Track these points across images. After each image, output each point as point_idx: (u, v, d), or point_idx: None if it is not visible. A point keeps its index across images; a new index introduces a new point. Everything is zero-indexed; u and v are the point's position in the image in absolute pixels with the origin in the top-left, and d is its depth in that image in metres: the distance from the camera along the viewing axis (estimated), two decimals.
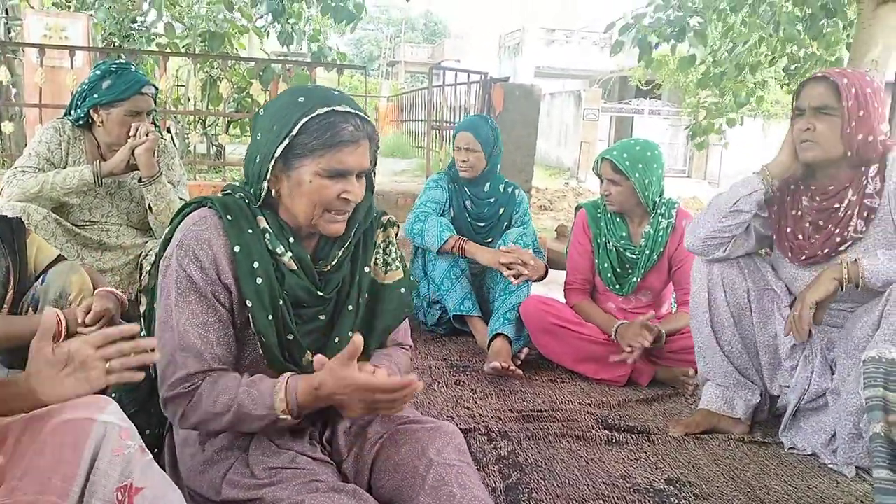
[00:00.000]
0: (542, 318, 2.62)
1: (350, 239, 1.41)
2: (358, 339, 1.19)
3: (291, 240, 1.35)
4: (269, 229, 1.33)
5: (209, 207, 1.34)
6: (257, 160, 1.31)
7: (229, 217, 1.31)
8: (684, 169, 18.64)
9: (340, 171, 1.28)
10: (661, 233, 2.62)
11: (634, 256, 2.65)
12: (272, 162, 1.28)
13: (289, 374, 1.28)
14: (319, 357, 1.24)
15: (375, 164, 1.40)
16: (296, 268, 1.35)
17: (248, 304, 1.29)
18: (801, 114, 1.95)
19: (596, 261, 2.72)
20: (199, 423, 1.29)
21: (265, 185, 1.30)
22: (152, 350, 1.19)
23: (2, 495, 0.96)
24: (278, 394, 1.24)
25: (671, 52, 6.81)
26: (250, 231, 1.32)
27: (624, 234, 2.67)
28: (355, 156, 1.29)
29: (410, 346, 1.61)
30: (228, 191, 1.38)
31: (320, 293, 1.38)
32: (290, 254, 1.34)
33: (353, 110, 1.28)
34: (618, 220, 2.69)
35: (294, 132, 1.26)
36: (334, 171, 1.28)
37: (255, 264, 1.30)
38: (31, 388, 1.10)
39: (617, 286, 2.69)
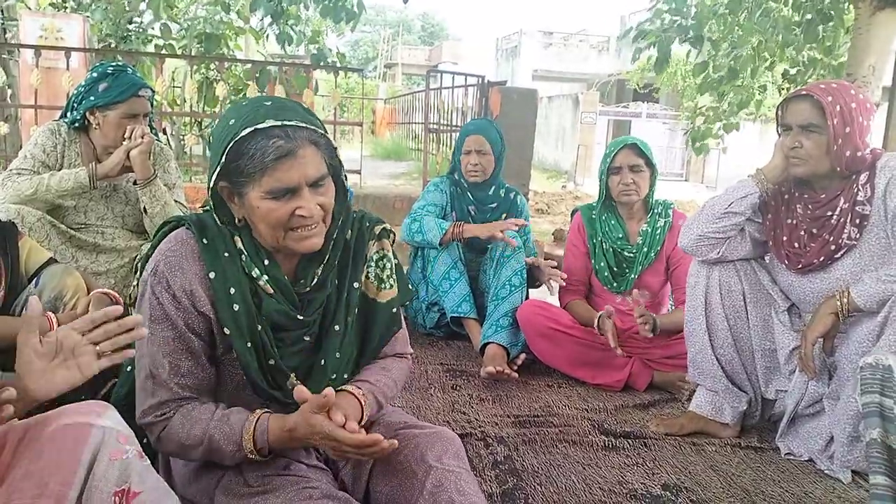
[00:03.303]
0: (538, 322, 2.62)
1: (328, 255, 1.36)
2: (329, 394, 1.19)
3: (267, 262, 1.31)
4: (245, 251, 1.30)
5: (186, 229, 1.31)
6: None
7: (205, 241, 1.28)
8: (682, 173, 18.67)
9: (284, 190, 1.21)
10: (658, 231, 2.66)
11: (632, 255, 2.68)
12: (210, 193, 1.27)
13: (260, 412, 1.27)
14: (300, 389, 1.23)
15: (339, 163, 1.32)
16: (273, 291, 1.30)
17: (227, 331, 1.27)
18: (787, 130, 1.98)
19: (592, 261, 2.74)
20: (175, 451, 1.29)
21: (222, 211, 1.29)
22: (139, 326, 1.18)
23: (0, 499, 0.96)
24: (247, 433, 1.24)
25: (686, 57, 6.82)
26: (227, 254, 1.29)
27: (620, 234, 2.70)
28: (294, 169, 1.20)
29: (410, 354, 1.58)
30: (207, 207, 1.34)
31: (300, 316, 1.33)
32: (266, 277, 1.30)
33: (277, 122, 1.19)
34: (613, 221, 2.72)
35: (223, 160, 1.21)
36: (277, 190, 1.20)
37: (232, 290, 1.27)
38: (23, 386, 1.10)
39: (614, 284, 2.71)
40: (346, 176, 1.37)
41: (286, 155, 1.19)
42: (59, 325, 1.71)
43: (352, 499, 1.27)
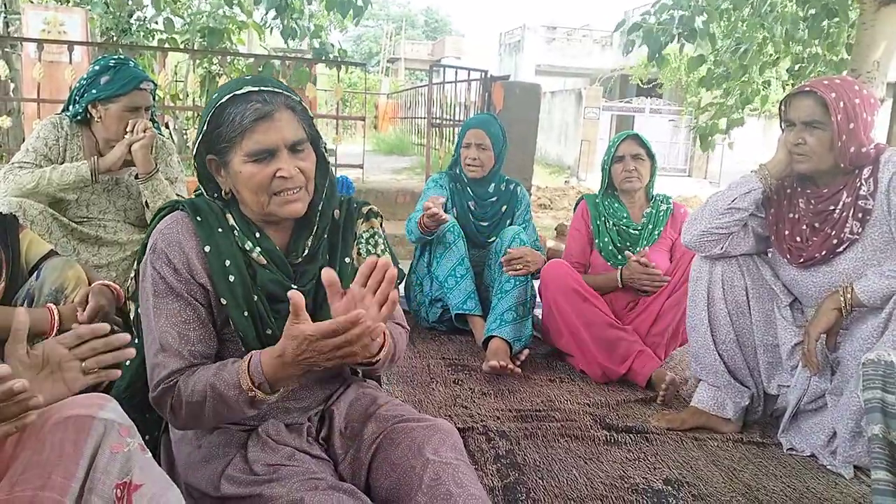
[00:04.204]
0: (564, 281, 2.64)
1: (316, 225, 1.40)
2: (295, 295, 1.13)
3: (258, 234, 1.36)
4: (237, 226, 1.35)
5: (181, 210, 1.35)
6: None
7: (199, 218, 1.32)
8: (685, 168, 18.65)
9: (264, 151, 1.26)
10: (661, 213, 2.84)
11: (637, 231, 2.80)
12: (194, 163, 1.31)
13: (255, 350, 1.25)
14: (293, 294, 1.16)
15: (318, 133, 1.37)
16: (266, 262, 1.35)
17: (223, 302, 1.30)
18: (791, 126, 1.97)
19: (596, 240, 2.84)
20: (188, 418, 1.29)
21: (210, 186, 1.33)
22: (126, 346, 1.16)
23: (2, 491, 0.96)
24: (242, 372, 1.22)
25: (679, 52, 6.79)
26: (220, 230, 1.33)
27: (625, 215, 2.83)
28: (272, 131, 1.26)
29: (407, 329, 1.60)
30: (200, 191, 1.40)
31: (294, 286, 1.36)
32: (258, 249, 1.35)
33: (255, 88, 1.27)
34: (616, 205, 2.85)
35: (205, 128, 1.29)
36: (256, 152, 1.26)
37: (227, 262, 1.31)
38: None
39: (619, 258, 2.77)
40: (326, 146, 1.42)
41: (263, 117, 1.26)
42: (60, 317, 1.72)
43: (357, 490, 1.28)
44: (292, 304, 1.14)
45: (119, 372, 1.18)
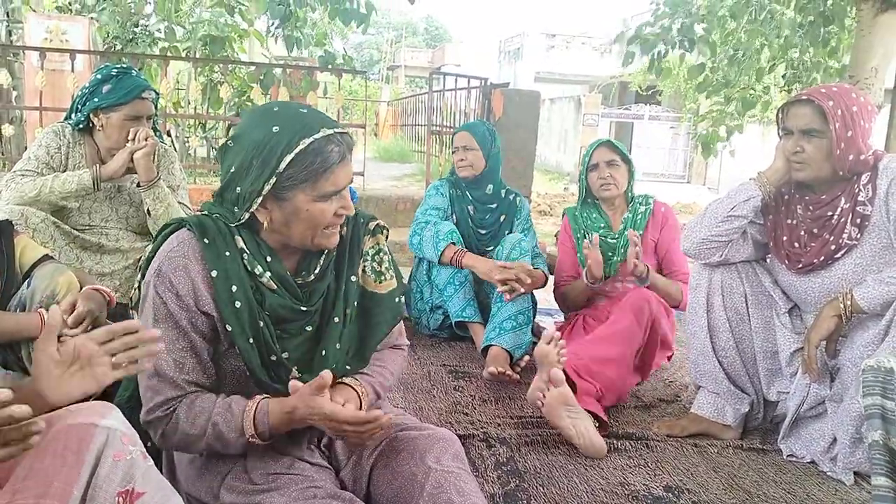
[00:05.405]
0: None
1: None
2: (326, 375, 1.22)
3: (269, 259, 1.34)
4: (247, 250, 1.33)
5: (187, 230, 1.33)
6: (238, 191, 1.28)
7: (206, 240, 1.30)
8: (684, 174, 18.65)
9: (335, 192, 1.30)
10: (639, 216, 2.79)
11: (614, 240, 2.77)
12: (259, 199, 1.27)
13: (260, 397, 1.30)
14: (294, 383, 1.27)
15: None
16: (276, 287, 1.34)
17: (229, 328, 1.29)
18: (788, 134, 1.98)
19: (578, 254, 2.83)
20: (179, 444, 1.30)
21: (246, 215, 1.30)
22: (155, 341, 1.18)
23: (4, 498, 0.97)
24: (247, 418, 1.27)
25: (679, 61, 6.81)
26: (227, 253, 1.31)
27: (603, 224, 2.81)
28: (345, 172, 1.30)
29: (407, 346, 1.62)
30: (205, 211, 1.37)
31: (304, 308, 1.37)
32: (268, 273, 1.33)
33: (331, 130, 1.28)
34: (595, 214, 2.84)
35: (281, 169, 1.24)
36: (330, 193, 1.29)
37: (234, 288, 1.29)
38: (38, 390, 1.10)
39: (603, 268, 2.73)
40: None
41: (342, 160, 1.28)
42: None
43: (356, 498, 1.28)
44: (321, 381, 1.22)
45: (150, 365, 1.21)
